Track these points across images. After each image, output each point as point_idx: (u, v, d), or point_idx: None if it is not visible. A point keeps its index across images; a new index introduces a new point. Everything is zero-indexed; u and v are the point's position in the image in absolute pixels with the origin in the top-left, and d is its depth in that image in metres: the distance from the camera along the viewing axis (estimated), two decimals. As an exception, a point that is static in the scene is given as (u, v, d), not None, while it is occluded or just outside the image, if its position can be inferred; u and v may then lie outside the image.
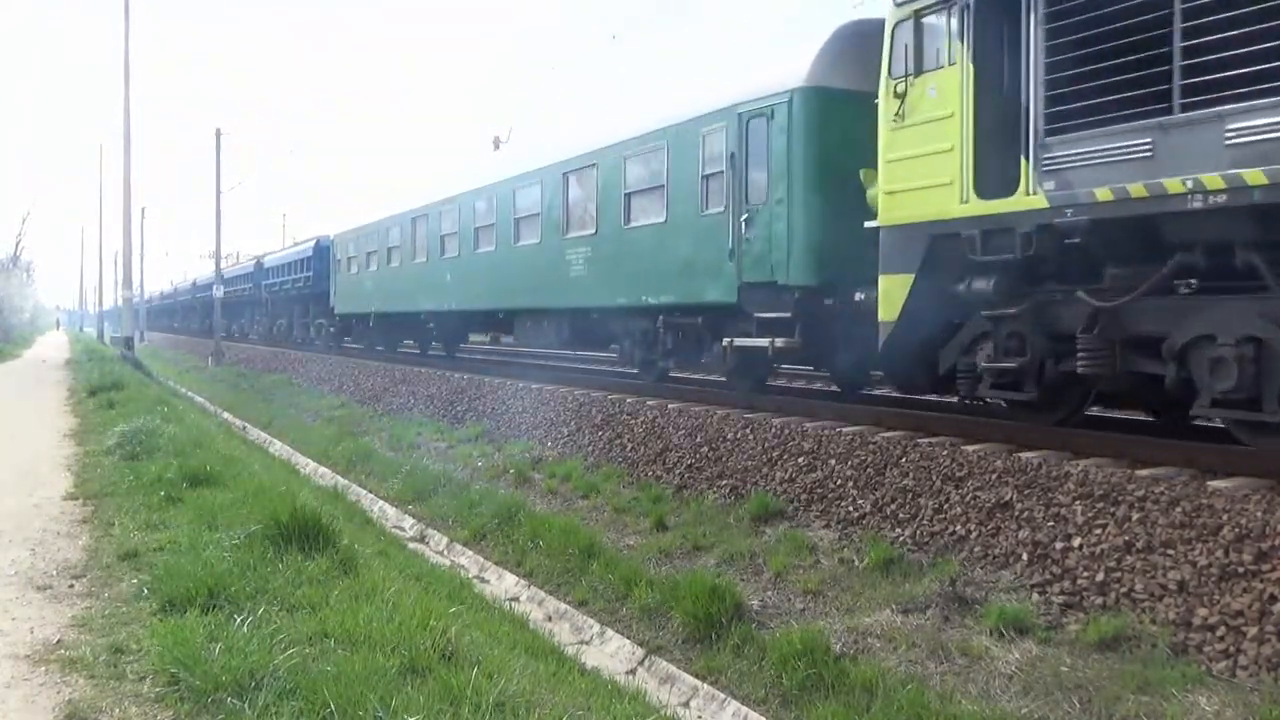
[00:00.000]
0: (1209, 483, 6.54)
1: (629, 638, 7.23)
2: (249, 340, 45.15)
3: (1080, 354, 7.61)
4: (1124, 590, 6.00)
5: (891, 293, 8.91)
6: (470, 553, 9.79)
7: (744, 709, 5.97)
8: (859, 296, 9.90)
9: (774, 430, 10.08)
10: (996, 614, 6.08)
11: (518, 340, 19.84)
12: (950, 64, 8.44)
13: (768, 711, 5.93)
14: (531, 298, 16.69)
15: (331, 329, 31.24)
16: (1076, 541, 6.50)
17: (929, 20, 8.74)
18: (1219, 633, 5.42)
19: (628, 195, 13.69)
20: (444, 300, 20.51)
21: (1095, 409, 9.15)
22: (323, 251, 31.82)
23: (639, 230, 13.46)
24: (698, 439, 10.78)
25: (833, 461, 8.96)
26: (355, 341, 29.75)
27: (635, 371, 14.93)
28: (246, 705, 3.82)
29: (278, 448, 17.31)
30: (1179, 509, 6.24)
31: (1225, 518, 5.98)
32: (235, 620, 4.61)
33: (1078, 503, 6.79)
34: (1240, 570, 5.63)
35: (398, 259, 23.34)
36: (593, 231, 14.53)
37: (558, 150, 16.12)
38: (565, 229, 15.36)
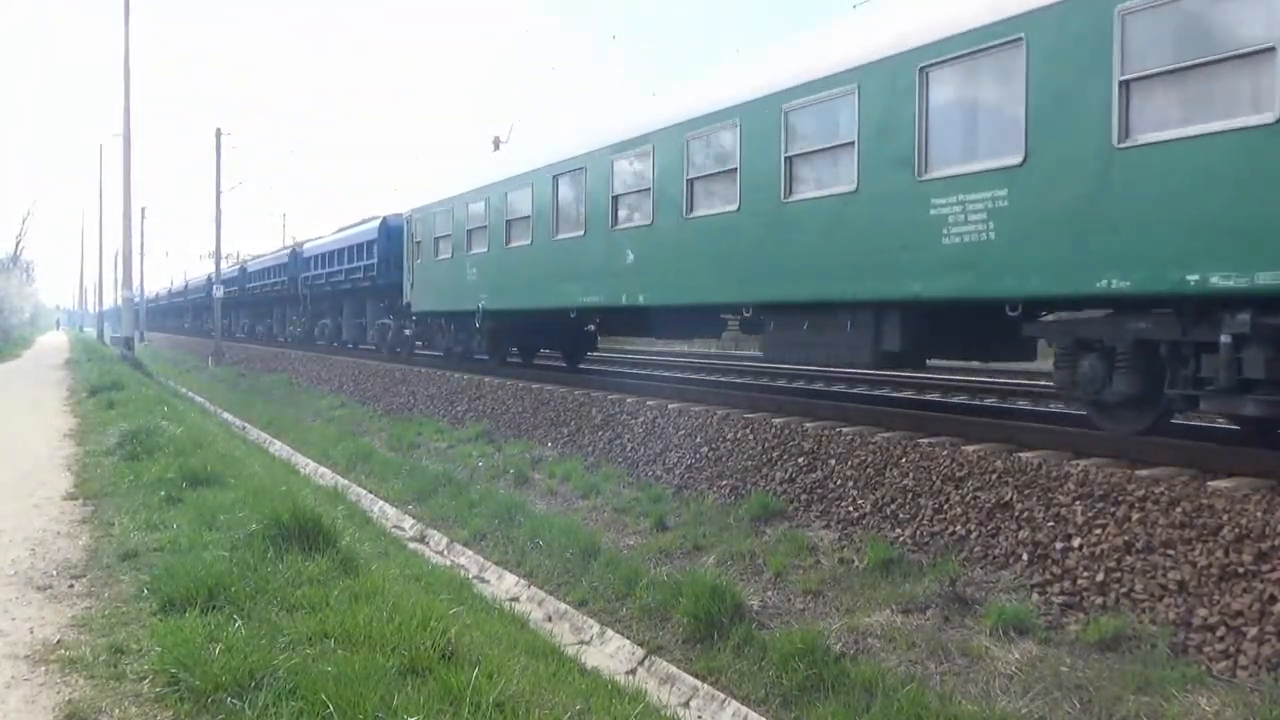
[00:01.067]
0: (1209, 483, 6.53)
1: (629, 638, 7.23)
2: (278, 344, 38.66)
3: None
4: (1124, 590, 6.00)
5: None
6: (470, 553, 9.79)
7: (744, 709, 5.96)
8: None
9: (774, 430, 10.09)
10: (996, 614, 6.08)
11: (769, 350, 11.91)
12: None
13: (768, 711, 5.93)
14: (829, 282, 9.86)
15: (406, 331, 24.12)
16: (1076, 541, 6.50)
17: None
18: (1219, 633, 5.42)
19: (1125, 84, 7.19)
20: (622, 290, 13.33)
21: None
22: (392, 233, 25.25)
23: (1167, 150, 6.95)
24: (698, 439, 10.79)
25: (833, 461, 8.96)
26: (438, 347, 22.13)
27: (1085, 414, 8.63)
28: (246, 705, 3.82)
29: (278, 448, 17.31)
30: (1179, 509, 6.24)
31: (1225, 518, 5.98)
32: (235, 620, 4.61)
33: (1078, 503, 6.79)
34: (1240, 570, 5.63)
35: (525, 235, 16.35)
36: (1015, 161, 7.99)
37: (894, 35, 9.28)
38: (924, 164, 8.79)
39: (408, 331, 23.97)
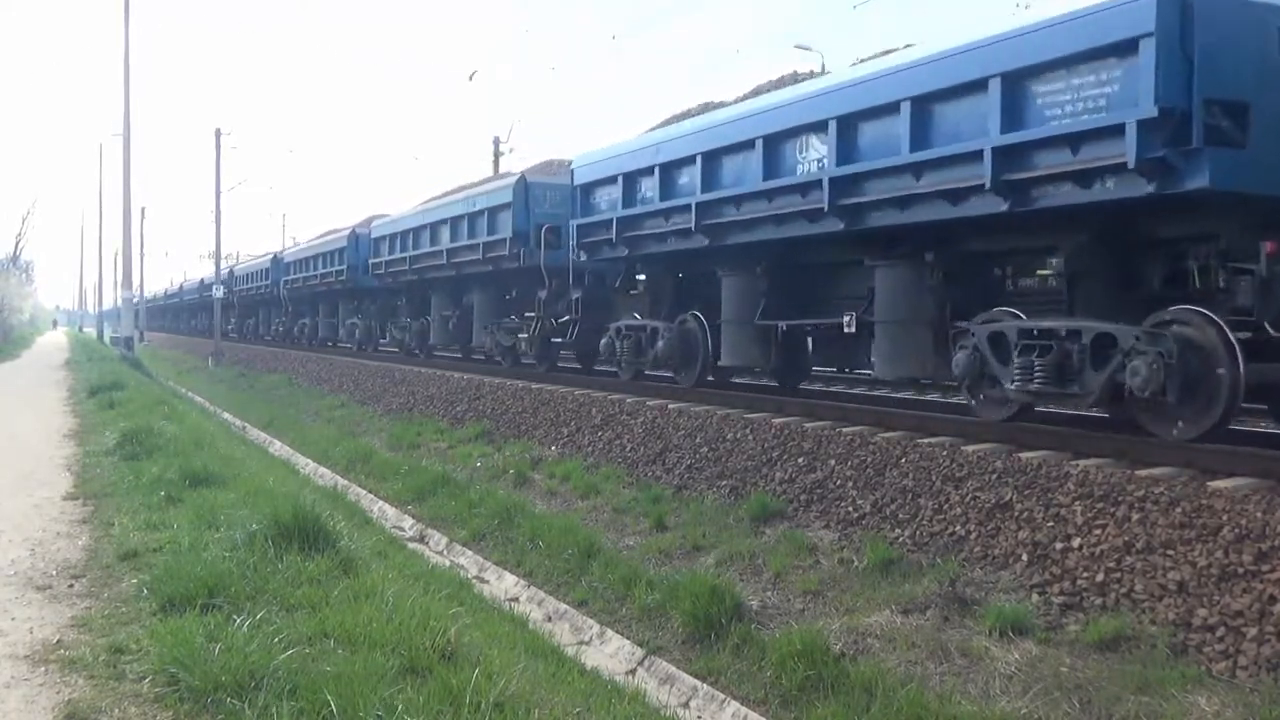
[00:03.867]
0: (1209, 483, 6.54)
1: (629, 638, 7.23)
2: (445, 360, 22.54)
3: None
4: (1124, 591, 6.00)
5: None
6: (470, 553, 9.79)
7: (744, 709, 5.96)
8: None
9: (774, 430, 10.08)
10: (996, 614, 6.07)
11: None
12: None
13: (767, 711, 5.92)
14: None
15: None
16: (1076, 542, 6.50)
17: None
18: (1219, 633, 5.42)
19: None
20: None
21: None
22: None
23: None
24: (698, 439, 10.78)
25: (833, 461, 8.96)
26: None
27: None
28: (246, 705, 3.82)
29: (277, 448, 17.31)
30: (1179, 509, 6.24)
31: (1225, 518, 5.98)
32: (235, 620, 4.61)
33: (1078, 503, 6.79)
34: (1240, 571, 5.63)
35: None
36: None
37: None
38: None
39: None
